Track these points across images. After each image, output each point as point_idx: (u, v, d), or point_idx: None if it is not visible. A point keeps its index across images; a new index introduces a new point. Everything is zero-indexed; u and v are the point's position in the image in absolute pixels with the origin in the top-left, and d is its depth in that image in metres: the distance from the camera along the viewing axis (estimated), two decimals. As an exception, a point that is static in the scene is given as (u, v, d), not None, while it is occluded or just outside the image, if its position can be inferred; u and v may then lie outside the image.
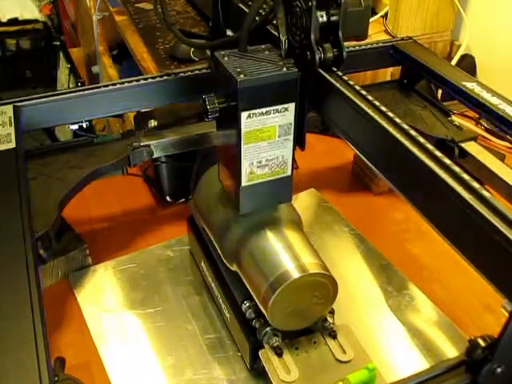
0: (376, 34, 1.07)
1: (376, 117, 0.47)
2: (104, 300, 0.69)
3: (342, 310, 0.59)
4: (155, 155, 0.73)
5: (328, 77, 0.52)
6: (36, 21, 2.74)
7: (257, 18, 0.56)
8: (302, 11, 0.51)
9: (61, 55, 2.49)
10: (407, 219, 0.81)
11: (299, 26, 0.52)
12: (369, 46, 0.77)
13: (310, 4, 0.50)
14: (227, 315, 0.62)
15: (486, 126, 0.97)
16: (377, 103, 0.49)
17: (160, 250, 0.76)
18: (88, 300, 0.69)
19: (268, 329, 0.55)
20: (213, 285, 0.65)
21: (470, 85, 0.66)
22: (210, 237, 0.63)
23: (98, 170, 0.68)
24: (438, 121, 0.72)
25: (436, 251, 0.74)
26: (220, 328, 0.65)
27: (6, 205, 0.55)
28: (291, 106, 0.51)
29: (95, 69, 1.72)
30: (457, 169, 0.42)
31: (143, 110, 0.77)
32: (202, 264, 0.68)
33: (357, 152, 0.51)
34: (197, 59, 1.05)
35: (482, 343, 0.42)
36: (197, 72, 0.74)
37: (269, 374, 0.53)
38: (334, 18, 0.51)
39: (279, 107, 0.50)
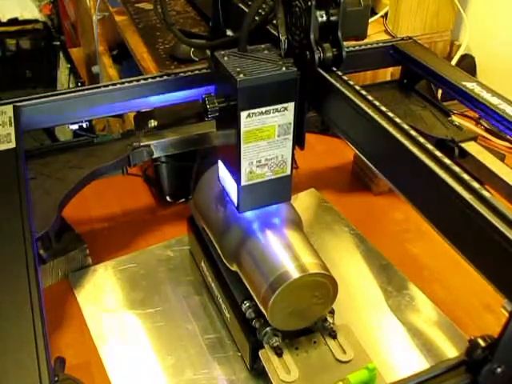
0: (376, 34, 1.07)
1: (376, 117, 0.47)
2: (104, 300, 0.69)
3: (341, 310, 0.59)
4: (155, 155, 0.73)
5: (328, 76, 0.52)
6: (36, 21, 2.74)
7: (256, 18, 0.56)
8: (302, 11, 0.51)
9: (61, 55, 2.49)
10: (407, 219, 0.81)
11: (299, 26, 0.52)
12: (369, 46, 0.77)
13: (309, 4, 0.50)
14: (227, 315, 0.62)
15: (485, 126, 0.97)
16: (377, 103, 0.49)
17: (160, 250, 0.76)
18: (88, 300, 0.69)
19: (268, 329, 0.55)
20: (213, 285, 0.65)
21: (469, 85, 0.66)
22: (210, 237, 0.63)
23: (97, 170, 0.68)
24: (437, 121, 0.72)
25: (436, 251, 0.74)
26: (220, 328, 0.65)
27: (5, 205, 0.55)
28: (291, 106, 0.51)
29: (95, 69, 1.72)
30: (457, 169, 0.42)
31: (143, 110, 0.77)
32: (202, 264, 0.68)
33: (357, 152, 0.51)
34: (197, 59, 1.05)
35: (482, 343, 0.42)
36: (197, 72, 0.74)
37: (269, 374, 0.53)
38: (333, 18, 0.51)
39: (279, 107, 0.50)
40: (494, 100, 0.63)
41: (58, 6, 2.72)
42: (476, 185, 0.40)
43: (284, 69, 0.50)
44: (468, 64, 1.09)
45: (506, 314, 0.38)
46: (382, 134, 0.47)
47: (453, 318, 0.66)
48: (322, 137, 0.96)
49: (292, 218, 0.60)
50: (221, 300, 0.63)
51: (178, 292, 0.70)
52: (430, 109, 0.75)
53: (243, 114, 0.49)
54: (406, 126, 0.46)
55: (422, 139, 0.45)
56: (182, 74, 0.74)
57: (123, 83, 0.72)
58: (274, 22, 0.55)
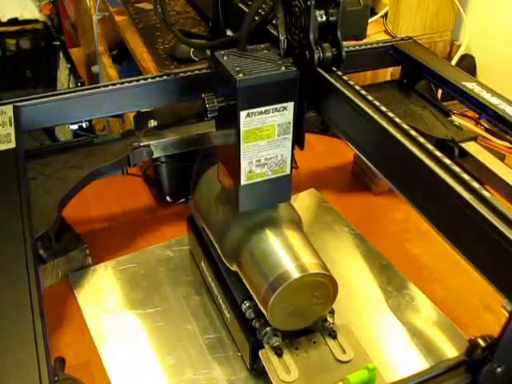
0: (376, 34, 1.07)
1: (376, 117, 0.47)
2: (104, 300, 0.69)
3: (342, 310, 0.59)
4: (155, 155, 0.73)
5: (327, 76, 0.52)
6: (36, 21, 2.74)
7: (256, 18, 0.56)
8: (301, 11, 0.51)
9: (61, 55, 2.49)
10: (407, 219, 0.81)
11: (298, 26, 0.52)
12: (369, 45, 0.77)
13: (308, 3, 0.50)
14: (227, 315, 0.62)
15: (485, 126, 0.97)
16: (377, 103, 0.49)
17: (160, 249, 0.76)
18: (88, 300, 0.69)
19: (268, 329, 0.55)
20: (213, 285, 0.65)
21: (469, 85, 0.66)
22: (210, 237, 0.63)
23: (97, 170, 0.68)
24: (437, 121, 0.72)
25: (436, 251, 0.74)
26: (220, 328, 0.65)
27: (5, 205, 0.55)
28: (290, 105, 0.51)
29: (95, 69, 1.72)
30: (457, 169, 0.42)
31: (143, 110, 0.77)
32: (202, 264, 0.68)
33: (357, 152, 0.51)
34: (197, 59, 1.05)
35: (482, 343, 0.42)
36: (197, 72, 0.74)
37: (269, 374, 0.53)
38: (332, 18, 0.51)
39: (278, 106, 0.50)
40: (494, 100, 0.63)
41: (58, 6, 2.72)
42: (476, 185, 0.40)
43: (283, 68, 0.50)
44: (468, 64, 1.09)
45: (506, 314, 0.38)
46: (382, 134, 0.47)
47: (453, 318, 0.66)
48: (322, 137, 0.96)
49: (292, 218, 0.60)
50: (221, 300, 0.63)
51: (177, 292, 0.70)
52: (429, 109, 0.75)
53: (243, 114, 0.49)
54: (405, 126, 0.46)
55: (421, 139, 0.45)
56: (181, 74, 0.74)
57: (123, 83, 0.72)
58: (274, 21, 0.55)
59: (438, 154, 0.43)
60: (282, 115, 0.51)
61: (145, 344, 0.63)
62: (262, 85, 0.49)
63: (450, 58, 1.10)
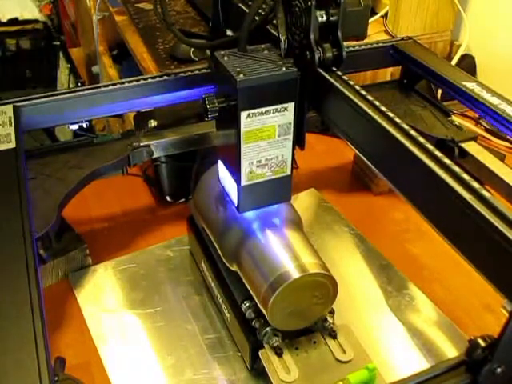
0: (376, 34, 1.07)
1: (376, 117, 0.47)
2: (104, 300, 0.69)
3: (342, 310, 0.59)
4: (155, 155, 0.73)
5: (328, 76, 0.52)
6: (36, 21, 2.74)
7: (256, 18, 0.56)
8: (302, 11, 0.51)
9: (61, 55, 2.49)
10: (407, 219, 0.81)
11: (299, 26, 0.52)
12: (369, 46, 0.77)
13: (309, 4, 0.50)
14: (227, 315, 0.62)
15: (485, 126, 0.97)
16: (377, 103, 0.49)
17: (160, 250, 0.76)
18: (88, 300, 0.69)
19: (268, 329, 0.55)
20: (213, 285, 0.65)
21: (469, 85, 0.66)
22: (210, 237, 0.63)
23: (97, 170, 0.68)
24: (437, 121, 0.72)
25: (436, 251, 0.74)
26: (220, 328, 0.65)
27: (5, 205, 0.55)
28: (291, 106, 0.51)
29: (95, 69, 1.72)
30: (457, 169, 0.42)
31: (143, 110, 0.77)
32: (202, 264, 0.68)
33: (357, 152, 0.51)
34: (197, 59, 1.05)
35: (482, 343, 0.42)
36: (197, 72, 0.74)
37: (269, 374, 0.53)
38: (333, 18, 0.51)
39: (279, 107, 0.50)
40: (494, 100, 0.63)
41: (58, 6, 2.72)
42: (476, 185, 0.40)
43: (284, 69, 0.50)
44: (468, 64, 1.09)
45: (506, 314, 0.38)
46: (382, 134, 0.47)
47: (453, 318, 0.66)
48: (322, 137, 0.96)
49: (292, 218, 0.60)
50: (221, 300, 0.63)
51: (177, 292, 0.70)
52: (430, 109, 0.75)
53: (243, 114, 0.49)
54: (405, 126, 0.46)
55: (422, 139, 0.45)
56: (181, 74, 0.74)
57: (123, 83, 0.72)
58: (274, 21, 0.55)
59: (438, 154, 0.43)
60: (283, 116, 0.51)
61: (145, 344, 0.63)
62: (262, 85, 0.49)
63: (450, 58, 1.10)
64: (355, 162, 0.90)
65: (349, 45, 0.73)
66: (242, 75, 0.48)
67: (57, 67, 2.53)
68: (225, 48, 0.53)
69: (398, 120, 0.47)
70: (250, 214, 0.57)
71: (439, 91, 0.83)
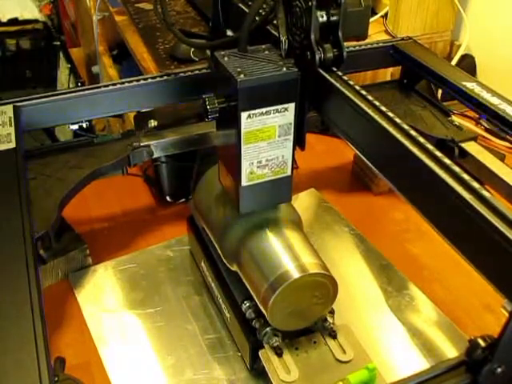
0: (376, 34, 1.07)
1: (376, 117, 0.47)
2: (104, 300, 0.69)
3: (342, 310, 0.59)
4: (155, 155, 0.73)
5: (328, 77, 0.52)
6: (36, 21, 2.74)
7: (257, 18, 0.56)
8: (302, 11, 0.51)
9: (61, 55, 2.49)
10: (407, 219, 0.81)
11: (299, 26, 0.52)
12: (369, 46, 0.77)
13: (310, 4, 0.50)
14: (227, 315, 0.62)
15: (486, 126, 0.97)
16: (377, 103, 0.49)
17: (160, 250, 0.76)
18: (88, 300, 0.69)
19: (268, 329, 0.56)
20: (213, 285, 0.65)
21: (469, 85, 0.66)
22: (210, 237, 0.63)
23: (97, 170, 0.68)
24: (437, 121, 0.72)
25: (436, 251, 0.74)
26: (220, 328, 0.65)
27: (5, 205, 0.55)
28: (291, 106, 0.51)
29: (95, 69, 1.72)
30: (457, 169, 0.42)
31: (143, 110, 0.77)
32: (202, 264, 0.68)
33: (357, 152, 0.51)
34: (197, 59, 1.05)
35: (482, 343, 0.42)
36: (197, 72, 0.74)
37: (269, 374, 0.53)
38: (333, 18, 0.51)
39: (279, 107, 0.50)
40: (494, 100, 0.63)
41: (58, 6, 2.72)
42: (476, 185, 0.40)
43: (285, 69, 0.50)
44: (468, 64, 1.09)
45: (506, 314, 0.38)
46: (382, 134, 0.47)
47: (453, 318, 0.66)
48: (322, 137, 0.96)
49: (292, 218, 0.60)
50: (221, 300, 0.63)
51: (177, 292, 0.70)
52: (429, 109, 0.75)
53: (244, 115, 0.49)
54: (406, 126, 0.46)
55: (422, 139, 0.45)
56: (181, 74, 0.74)
57: (123, 83, 0.72)
58: (275, 22, 0.55)
59: (438, 154, 0.43)
60: (283, 116, 0.51)
61: (145, 344, 0.63)
62: (263, 86, 0.49)
63: (450, 58, 1.10)
64: (355, 161, 0.90)
65: (349, 45, 0.73)
66: (242, 75, 0.48)
67: (57, 67, 2.53)
68: (225, 48, 0.53)
69: (398, 120, 0.47)
70: (250, 214, 0.57)
71: (439, 91, 0.83)
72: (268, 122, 0.51)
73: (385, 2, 1.11)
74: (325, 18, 0.51)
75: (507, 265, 0.37)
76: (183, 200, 0.83)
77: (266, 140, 0.52)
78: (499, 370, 0.41)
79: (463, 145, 0.67)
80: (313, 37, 0.51)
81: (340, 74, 0.53)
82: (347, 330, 0.57)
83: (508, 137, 0.63)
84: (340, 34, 0.52)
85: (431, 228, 0.43)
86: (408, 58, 0.75)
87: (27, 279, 0.48)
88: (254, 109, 0.49)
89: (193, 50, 1.05)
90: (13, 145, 0.62)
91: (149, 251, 0.76)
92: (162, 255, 0.75)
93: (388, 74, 0.95)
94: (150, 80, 0.72)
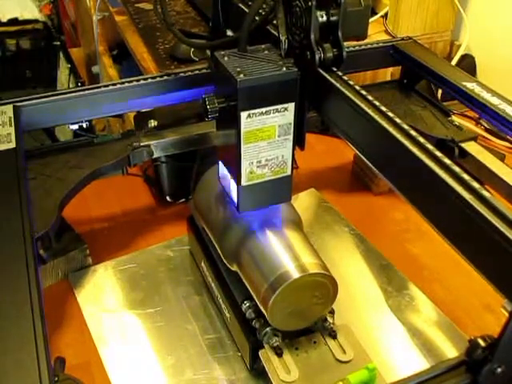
0: (376, 34, 1.07)
1: (376, 117, 0.47)
2: (104, 300, 0.69)
3: (342, 310, 0.59)
4: (155, 155, 0.73)
5: (328, 77, 0.52)
6: (36, 21, 2.74)
7: (257, 18, 0.56)
8: (302, 11, 0.51)
9: (61, 55, 2.49)
10: (407, 219, 0.81)
11: (299, 26, 0.52)
12: (369, 45, 0.77)
13: (309, 4, 0.50)
14: (227, 315, 0.62)
15: (486, 126, 0.97)
16: (377, 103, 0.49)
17: (160, 250, 0.76)
18: (88, 300, 0.69)
19: (268, 329, 0.55)
20: (213, 285, 0.65)
21: (470, 85, 0.66)
22: (210, 237, 0.63)
23: (98, 170, 0.68)
24: (437, 121, 0.72)
25: (436, 251, 0.74)
26: (220, 328, 0.65)
27: (5, 205, 0.55)
28: (291, 106, 0.51)
29: (95, 69, 1.72)
30: (457, 169, 0.42)
31: (143, 110, 0.77)
32: (202, 264, 0.68)
33: (357, 152, 0.51)
34: (197, 59, 1.05)
35: (481, 343, 0.42)
36: (197, 72, 0.74)
37: (269, 374, 0.53)
38: (333, 18, 0.51)
39: (279, 107, 0.50)
40: (494, 100, 0.63)
41: (58, 6, 2.72)
42: (476, 185, 0.40)
43: (284, 69, 0.50)
44: (468, 64, 1.09)
45: (506, 314, 0.38)
46: (382, 134, 0.47)
47: (453, 318, 0.66)
48: (322, 137, 0.96)
49: (292, 218, 0.60)
50: (221, 300, 0.63)
51: (177, 292, 0.70)
52: (430, 109, 0.75)
53: (243, 115, 0.49)
54: (406, 126, 0.46)
55: (422, 139, 0.45)
56: (182, 74, 0.74)
57: (123, 83, 0.72)
58: (274, 22, 0.55)
59: (438, 154, 0.43)
60: (283, 116, 0.51)
61: (145, 344, 0.63)
62: (262, 85, 0.49)
63: (450, 58, 1.10)
64: (355, 161, 0.90)
65: (349, 45, 0.73)
66: (242, 75, 0.48)
67: (57, 67, 2.53)
68: (225, 48, 0.53)
69: (398, 120, 0.47)
70: (249, 214, 0.57)
71: (439, 91, 0.83)
72: (268, 121, 0.51)
73: (385, 1, 1.11)
74: (324, 18, 0.51)
75: (507, 265, 0.37)
76: (183, 200, 0.83)
77: (265, 140, 0.52)
78: (499, 369, 0.41)
79: (463, 145, 0.67)
80: (312, 36, 0.51)
81: (340, 73, 0.53)
82: (347, 330, 0.57)
83: (508, 137, 0.63)
84: (340, 33, 0.52)
85: (431, 228, 0.43)
86: (408, 58, 0.75)
87: (27, 279, 0.48)
88: (254, 108, 0.49)
89: (193, 50, 1.05)
90: (13, 145, 0.62)
91: (149, 251, 0.76)
92: (162, 255, 0.75)
93: (388, 73, 0.95)
94: (149, 80, 0.72)
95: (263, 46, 0.54)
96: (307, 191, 0.86)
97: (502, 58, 1.06)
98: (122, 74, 1.54)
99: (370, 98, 0.50)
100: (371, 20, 1.08)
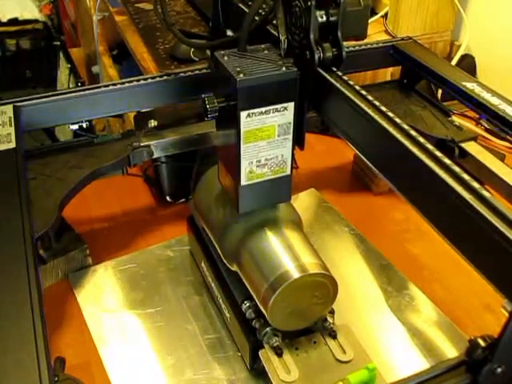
0: (376, 34, 1.07)
1: (376, 117, 0.47)
2: (104, 300, 0.69)
3: (342, 310, 0.59)
4: (155, 155, 0.73)
5: (327, 76, 0.52)
6: (36, 21, 2.74)
7: (256, 18, 0.56)
8: (302, 11, 0.51)
9: (61, 55, 2.49)
10: (407, 219, 0.81)
11: (298, 26, 0.52)
12: (369, 45, 0.77)
13: (309, 4, 0.50)
14: (227, 315, 0.62)
15: (486, 126, 0.97)
16: (377, 103, 0.49)
17: (160, 250, 0.76)
18: (88, 300, 0.69)
19: (268, 329, 0.55)
20: (213, 285, 0.65)
21: (470, 85, 0.66)
22: (210, 237, 0.63)
23: (98, 170, 0.68)
24: (437, 121, 0.72)
25: (436, 251, 0.74)
26: (220, 328, 0.65)
27: (5, 205, 0.55)
28: (290, 106, 0.51)
29: (95, 69, 1.73)
30: (457, 169, 0.42)
31: (143, 110, 0.77)
32: (202, 264, 0.68)
33: (357, 152, 0.51)
34: (197, 59, 1.05)
35: (482, 343, 0.42)
36: (197, 72, 0.74)
37: (269, 374, 0.53)
38: (333, 18, 0.51)
39: (278, 106, 0.50)
40: (494, 100, 0.63)
41: (58, 6, 2.72)
42: (476, 185, 0.40)
43: (284, 69, 0.50)
44: (468, 64, 1.09)
45: (506, 314, 0.38)
46: (382, 134, 0.47)
47: (453, 318, 0.66)
48: (322, 137, 0.96)
49: (292, 218, 0.60)
50: (221, 300, 0.63)
51: (177, 292, 0.70)
52: (429, 109, 0.75)
53: (243, 114, 0.49)
54: (406, 126, 0.46)
55: (422, 139, 0.45)
56: (182, 74, 0.74)
57: (123, 83, 0.72)
58: (274, 22, 0.55)
59: (438, 154, 0.43)
60: (283, 115, 0.51)
61: (145, 344, 0.63)
62: (262, 85, 0.49)
63: (450, 58, 1.10)
64: (355, 161, 0.90)
65: (349, 45, 0.73)
66: (241, 75, 0.48)
67: (57, 67, 2.53)
68: (225, 48, 0.53)
69: (398, 120, 0.47)
70: (249, 214, 0.57)
71: (439, 91, 0.83)
72: (267, 121, 0.51)
73: (385, 1, 1.11)
74: (324, 18, 0.51)
75: (507, 265, 0.37)
76: (183, 200, 0.83)
77: (265, 139, 0.52)
78: (499, 369, 0.41)
79: (463, 145, 0.67)
80: (312, 36, 0.51)
81: (340, 73, 0.53)
82: (347, 330, 0.57)
83: (508, 137, 0.63)
84: (339, 33, 0.52)
85: (431, 228, 0.43)
86: (408, 58, 0.75)
87: (27, 279, 0.48)
88: (254, 108, 0.49)
89: (193, 50, 1.05)
90: (13, 145, 0.62)
91: (149, 251, 0.76)
92: (162, 255, 0.75)
93: (388, 73, 0.95)
94: (149, 80, 0.72)
95: (263, 46, 0.54)
96: (307, 191, 0.86)
97: (502, 57, 1.06)
98: (121, 74, 1.54)
99: (370, 97, 0.50)
100: (371, 20, 1.08)
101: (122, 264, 0.74)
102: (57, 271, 0.70)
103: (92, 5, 1.58)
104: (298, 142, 0.56)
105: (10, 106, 0.67)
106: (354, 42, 0.74)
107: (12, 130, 0.64)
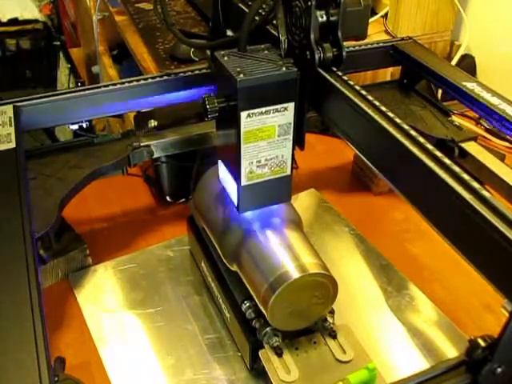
0: (376, 34, 1.07)
1: (376, 117, 0.47)
2: (104, 300, 0.69)
3: (342, 310, 0.59)
4: (155, 155, 0.73)
5: (328, 76, 0.52)
6: (36, 21, 2.74)
7: (256, 18, 0.56)
8: (302, 11, 0.51)
9: (61, 55, 2.49)
10: (407, 219, 0.81)
11: (299, 26, 0.52)
12: (369, 45, 0.77)
13: (309, 4, 0.50)
14: (227, 315, 0.62)
15: (486, 126, 0.97)
16: (377, 103, 0.49)
17: (160, 250, 0.76)
18: (88, 300, 0.69)
19: (268, 329, 0.55)
20: (213, 285, 0.65)
21: (470, 85, 0.66)
22: (210, 237, 0.63)
23: (98, 170, 0.68)
24: (437, 121, 0.72)
25: (436, 251, 0.74)
26: (220, 328, 0.65)
27: (5, 205, 0.55)
28: (291, 106, 0.51)
29: (95, 69, 1.72)
30: (457, 169, 0.42)
31: (143, 110, 0.77)
32: (202, 264, 0.68)
33: (357, 152, 0.51)
34: (197, 59, 1.05)
35: (482, 343, 0.42)
36: (197, 72, 0.74)
37: (269, 374, 0.53)
38: (333, 18, 0.51)
39: (279, 107, 0.50)
40: (494, 100, 0.63)
41: (58, 6, 2.72)
42: (476, 185, 0.40)
43: (284, 69, 0.50)
44: (468, 64, 1.09)
45: (506, 314, 0.38)
46: (382, 134, 0.47)
47: (453, 318, 0.66)
48: (322, 137, 0.96)
49: (292, 218, 0.60)
50: (221, 300, 0.63)
51: (177, 292, 0.70)
52: (429, 109, 0.75)
53: (243, 114, 0.49)
54: (405, 126, 0.46)
55: (422, 139, 0.45)
56: (181, 74, 0.74)
57: (123, 83, 0.72)
58: (274, 22, 0.55)
59: (438, 153, 0.43)
60: (283, 116, 0.51)
61: (145, 344, 0.63)
62: (262, 85, 0.49)
63: (450, 58, 1.10)
64: (355, 161, 0.90)
65: (349, 45, 0.73)
66: (242, 75, 0.48)
67: (57, 67, 2.53)
68: (225, 48, 0.53)
69: (398, 120, 0.47)
70: (249, 214, 0.57)
71: (439, 91, 0.83)
72: (267, 121, 0.51)
73: (385, 1, 1.11)
74: (324, 18, 0.51)
75: (507, 265, 0.37)
76: (183, 200, 0.83)
77: (265, 139, 0.52)
78: (499, 369, 0.41)
79: (463, 145, 0.67)
80: (312, 36, 0.51)
81: (340, 73, 0.53)
82: (347, 330, 0.57)
83: (508, 137, 0.63)
84: (339, 33, 0.52)
85: (431, 228, 0.43)
86: (408, 58, 0.75)
87: (27, 279, 0.48)
88: (254, 108, 0.49)
89: (193, 50, 1.05)
90: (13, 145, 0.62)
91: (149, 251, 0.76)
92: (162, 255, 0.75)
93: (388, 73, 0.95)
94: (149, 80, 0.72)
95: (263, 46, 0.54)
96: (307, 191, 0.86)
97: (502, 57, 1.06)
98: (121, 74, 1.54)
99: (370, 97, 0.50)
100: (371, 20, 1.08)
101: (121, 264, 0.74)
102: (57, 271, 0.70)
103: (92, 5, 1.58)
104: (298, 142, 0.56)
105: (10, 106, 0.67)
106: (354, 42, 0.73)
107: (12, 130, 0.64)
